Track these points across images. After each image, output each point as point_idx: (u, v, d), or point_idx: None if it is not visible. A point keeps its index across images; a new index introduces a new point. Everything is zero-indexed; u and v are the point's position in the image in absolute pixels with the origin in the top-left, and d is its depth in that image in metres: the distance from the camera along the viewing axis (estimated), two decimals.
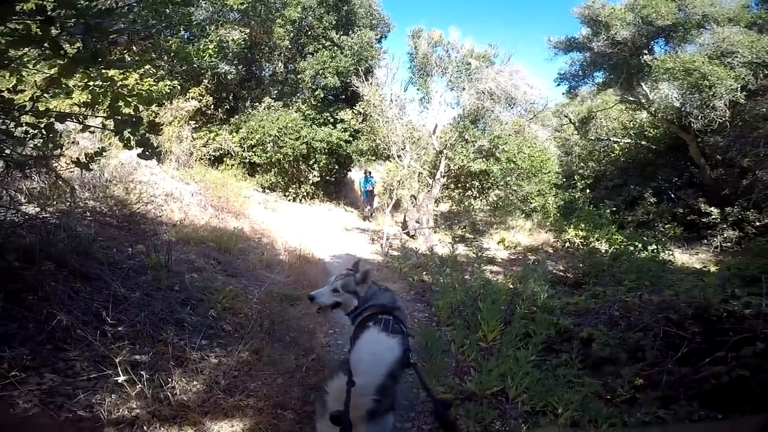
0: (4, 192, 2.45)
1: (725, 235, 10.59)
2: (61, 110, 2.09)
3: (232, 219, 6.46)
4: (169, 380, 2.16)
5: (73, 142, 4.86)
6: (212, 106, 10.48)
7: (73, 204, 3.14)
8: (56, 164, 2.56)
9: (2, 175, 2.37)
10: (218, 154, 10.62)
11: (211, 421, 2.00)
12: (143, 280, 3.13)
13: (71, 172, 3.59)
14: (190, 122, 8.30)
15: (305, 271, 5.18)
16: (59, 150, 2.22)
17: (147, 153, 1.98)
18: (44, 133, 2.06)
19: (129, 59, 2.12)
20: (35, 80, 2.05)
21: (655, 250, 6.51)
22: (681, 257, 9.32)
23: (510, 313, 3.73)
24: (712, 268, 7.24)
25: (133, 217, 4.20)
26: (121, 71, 2.48)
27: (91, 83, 2.18)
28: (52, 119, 1.94)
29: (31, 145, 2.16)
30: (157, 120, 7.25)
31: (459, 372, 2.83)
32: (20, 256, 2.11)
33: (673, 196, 12.47)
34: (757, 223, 10.39)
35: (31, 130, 1.97)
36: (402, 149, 9.57)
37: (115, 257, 3.37)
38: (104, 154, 2.07)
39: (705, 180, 12.06)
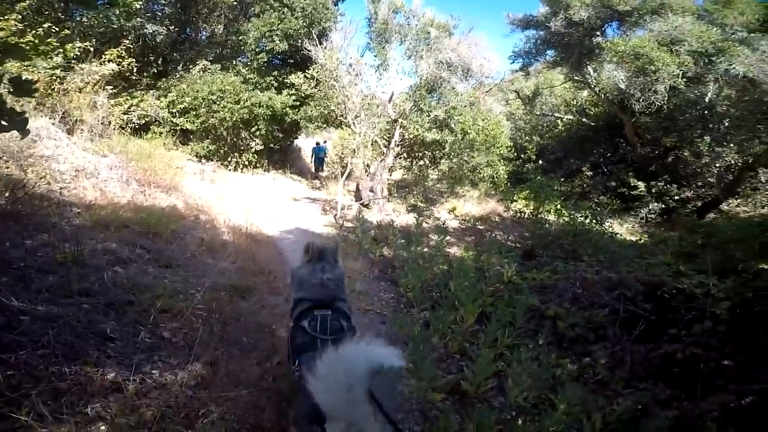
0: None
1: (650, 207, 11.65)
2: None
3: (162, 195, 5.61)
4: (106, 412, 1.65)
5: None
6: (135, 70, 9.09)
7: None
8: None
9: None
10: (143, 122, 9.33)
11: None
12: (49, 282, 2.48)
13: None
14: (106, 88, 7.03)
15: (254, 253, 4.64)
16: None
17: None
18: None
19: None
20: None
21: (596, 222, 6.73)
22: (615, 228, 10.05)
23: (479, 292, 3.60)
24: (642, 239, 7.80)
25: (31, 201, 3.36)
26: None
27: None
28: None
29: None
30: (64, 86, 6.11)
31: (443, 366, 2.63)
32: None
33: (606, 170, 13.39)
34: (677, 197, 11.61)
35: None
36: (357, 116, 9.02)
37: (8, 255, 2.64)
38: None
39: (636, 157, 13.05)
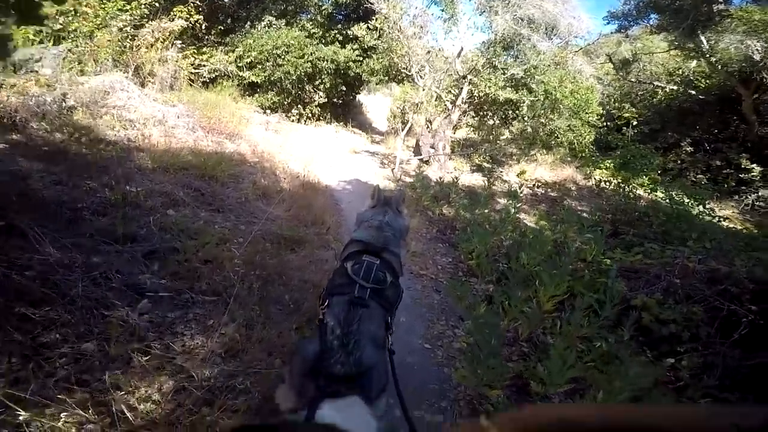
0: None
1: (760, 193, 9.90)
2: None
3: (226, 142, 5.64)
4: (128, 383, 1.49)
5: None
6: (204, 28, 9.31)
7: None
8: None
9: None
10: (213, 76, 9.68)
11: None
12: (98, 225, 2.43)
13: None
14: (175, 42, 7.22)
15: (310, 201, 4.43)
16: None
17: None
18: None
19: None
20: None
21: (696, 203, 5.61)
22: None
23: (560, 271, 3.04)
24: (745, 228, 6.43)
25: (97, 145, 3.39)
26: None
27: None
28: None
29: None
30: (136, 42, 6.30)
31: (504, 351, 2.23)
32: None
33: (709, 147, 11.75)
34: None
35: None
36: (421, 69, 8.35)
37: (67, 195, 2.64)
38: None
39: (751, 137, 11.17)
